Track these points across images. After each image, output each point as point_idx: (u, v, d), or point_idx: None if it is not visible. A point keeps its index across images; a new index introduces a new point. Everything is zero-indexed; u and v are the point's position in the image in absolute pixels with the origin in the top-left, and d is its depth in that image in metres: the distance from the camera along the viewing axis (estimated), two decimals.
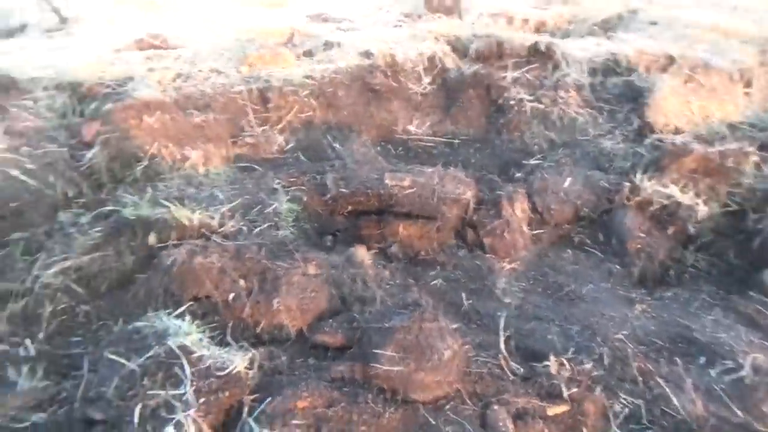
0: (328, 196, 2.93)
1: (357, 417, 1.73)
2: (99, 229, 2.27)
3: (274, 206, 2.79)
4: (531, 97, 4.04)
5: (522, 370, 2.03)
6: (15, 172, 2.64)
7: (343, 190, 2.87)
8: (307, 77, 3.84)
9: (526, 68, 4.26)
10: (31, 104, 3.24)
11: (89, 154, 2.98)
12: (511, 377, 1.99)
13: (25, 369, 1.96)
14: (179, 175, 3.02)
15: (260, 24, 4.73)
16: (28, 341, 2.04)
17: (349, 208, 2.91)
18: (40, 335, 2.10)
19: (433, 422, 1.75)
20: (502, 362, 2.03)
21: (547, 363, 2.01)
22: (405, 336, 1.85)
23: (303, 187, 3.06)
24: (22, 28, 4.76)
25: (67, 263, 2.17)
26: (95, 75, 3.65)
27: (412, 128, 4.05)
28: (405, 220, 2.78)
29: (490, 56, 4.37)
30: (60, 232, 2.48)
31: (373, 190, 2.81)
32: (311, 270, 2.22)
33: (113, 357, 1.77)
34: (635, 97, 4.02)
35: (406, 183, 2.80)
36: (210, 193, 2.83)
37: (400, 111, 4.07)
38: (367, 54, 4.17)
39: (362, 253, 2.46)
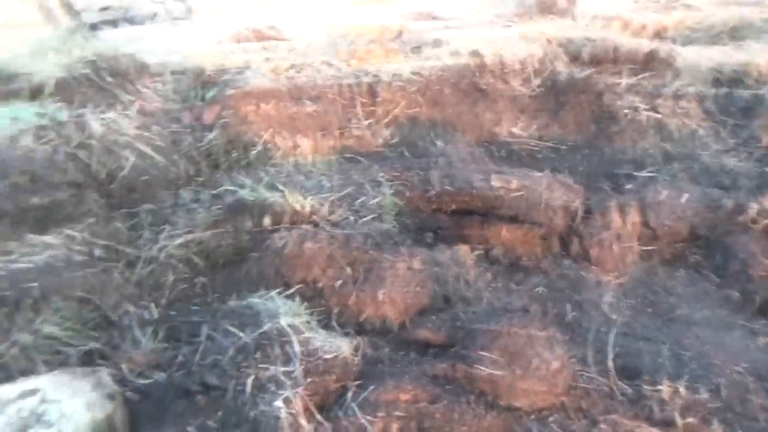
0: (432, 192, 2.93)
1: (458, 416, 1.73)
2: (218, 207, 2.39)
3: (378, 199, 2.83)
4: (647, 106, 3.83)
5: (630, 390, 1.94)
6: (146, 149, 2.83)
7: (448, 188, 2.86)
8: (415, 73, 3.85)
9: (643, 75, 4.06)
10: (161, 87, 3.46)
11: (210, 136, 3.15)
12: (619, 397, 1.90)
13: (148, 331, 2.10)
14: (289, 161, 3.13)
15: (370, 19, 4.80)
16: (152, 305, 2.20)
17: (453, 206, 2.89)
18: (162, 301, 2.24)
19: None
20: (610, 380, 1.94)
21: (659, 387, 1.91)
22: (512, 341, 1.81)
23: (406, 182, 3.07)
24: (153, 17, 5.11)
25: (190, 236, 2.31)
26: (216, 62, 3.85)
27: (516, 131, 3.96)
28: (509, 223, 2.73)
29: (604, 61, 4.20)
30: (183, 207, 2.64)
31: (479, 190, 2.78)
32: (416, 265, 2.23)
33: (231, 329, 1.86)
34: (765, 113, 3.72)
35: (513, 186, 2.75)
36: (318, 182, 2.91)
37: (505, 112, 3.99)
38: (476, 53, 4.12)
39: (466, 253, 2.45)
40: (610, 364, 2.01)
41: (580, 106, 3.99)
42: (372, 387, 1.80)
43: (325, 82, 3.68)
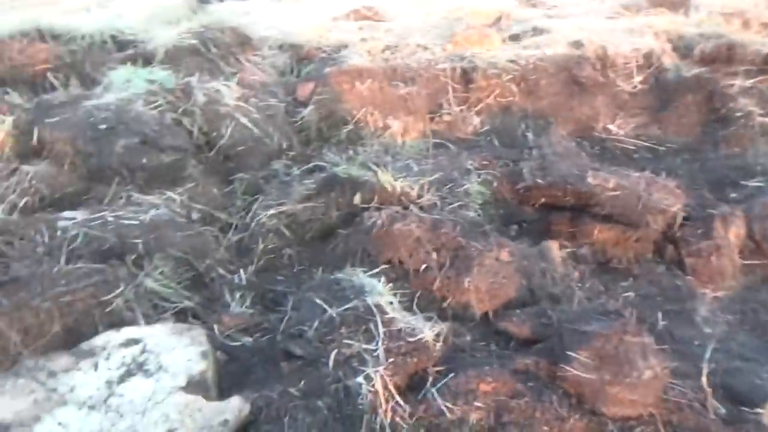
0: (522, 185, 2.85)
1: (540, 415, 1.68)
2: (312, 181, 2.44)
3: (465, 186, 2.79)
4: (762, 111, 3.55)
5: (725, 411, 1.82)
6: (244, 120, 2.93)
7: (540, 181, 2.77)
8: (512, 62, 3.75)
9: (760, 78, 3.76)
10: (260, 60, 3.57)
11: (304, 112, 3.22)
12: (713, 416, 1.79)
13: (237, 295, 2.19)
14: (379, 142, 3.14)
15: (469, 4, 4.70)
16: (241, 271, 2.28)
17: (542, 200, 2.81)
18: (251, 268, 2.32)
19: None
20: (704, 397, 1.83)
21: (758, 410, 1.78)
22: (604, 345, 1.74)
23: (495, 172, 3.01)
24: None
25: (282, 208, 2.36)
26: (314, 39, 3.92)
27: (613, 128, 3.78)
28: (602, 223, 2.61)
29: (717, 60, 3.92)
30: (276, 179, 2.71)
31: (573, 186, 2.67)
32: (504, 256, 2.18)
33: (318, 301, 1.90)
34: None
35: (610, 184, 2.63)
36: (406, 164, 2.91)
37: (603, 108, 3.82)
38: (577, 44, 3.96)
39: (555, 249, 2.37)
40: (705, 380, 1.89)
41: (685, 107, 3.75)
42: (452, 374, 1.78)
43: (420, 65, 3.66)
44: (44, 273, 1.83)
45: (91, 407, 1.51)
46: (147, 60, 3.19)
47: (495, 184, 2.95)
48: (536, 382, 1.79)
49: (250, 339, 2.00)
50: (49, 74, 2.68)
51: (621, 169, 2.90)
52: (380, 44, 3.88)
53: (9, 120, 2.34)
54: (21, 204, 2.16)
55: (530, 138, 3.49)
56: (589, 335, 1.78)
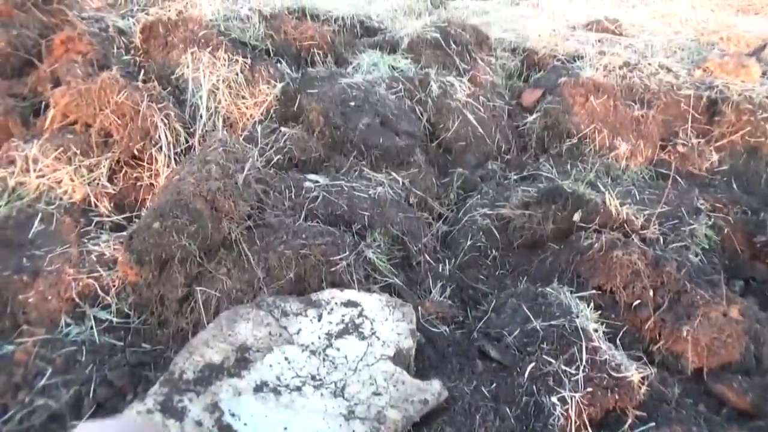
0: (762, 239, 2.53)
1: None
2: (534, 190, 2.43)
3: (692, 227, 2.56)
4: None
5: None
6: (470, 117, 3.00)
7: None
8: None
9: None
10: (493, 60, 3.61)
11: (528, 119, 3.20)
12: None
13: (439, 284, 2.28)
14: (601, 162, 3.01)
15: (725, 28, 4.25)
16: (446, 262, 2.36)
17: None
18: (455, 261, 2.40)
19: None
20: None
21: None
22: None
23: (728, 217, 2.71)
24: None
25: (498, 210, 2.39)
26: (549, 47, 3.85)
27: None
28: None
29: None
30: (492, 180, 2.75)
31: None
32: (734, 313, 1.97)
33: (523, 309, 1.90)
34: None
35: None
36: (627, 190, 2.75)
37: None
38: None
39: None
40: None
41: None
42: (653, 424, 1.67)
43: (660, 87, 3.41)
44: (288, 225, 2.09)
45: (312, 352, 1.69)
46: (392, 47, 3.42)
47: (726, 230, 2.66)
48: None
49: (446, 329, 2.07)
50: (314, 50, 3.00)
51: None
52: (618, 60, 3.69)
53: (279, 86, 2.69)
54: (275, 160, 2.47)
55: None
56: None
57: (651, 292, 2.05)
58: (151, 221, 1.86)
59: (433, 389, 1.61)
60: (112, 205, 2.30)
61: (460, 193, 2.76)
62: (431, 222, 2.55)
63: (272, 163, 2.47)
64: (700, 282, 2.12)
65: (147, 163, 2.40)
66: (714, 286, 2.10)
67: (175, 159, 2.43)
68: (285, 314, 1.80)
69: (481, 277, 2.37)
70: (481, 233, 2.44)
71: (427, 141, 2.97)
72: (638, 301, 2.03)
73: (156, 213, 1.88)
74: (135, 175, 2.41)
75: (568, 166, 3.00)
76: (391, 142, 2.58)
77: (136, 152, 2.37)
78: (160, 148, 2.38)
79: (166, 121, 2.39)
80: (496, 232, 2.42)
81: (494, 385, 1.78)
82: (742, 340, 1.95)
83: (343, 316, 1.80)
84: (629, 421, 1.68)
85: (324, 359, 1.67)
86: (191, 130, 2.55)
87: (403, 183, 2.58)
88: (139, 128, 2.34)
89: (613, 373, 1.74)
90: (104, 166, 2.32)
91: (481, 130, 3.02)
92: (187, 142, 2.50)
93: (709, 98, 3.38)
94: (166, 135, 2.38)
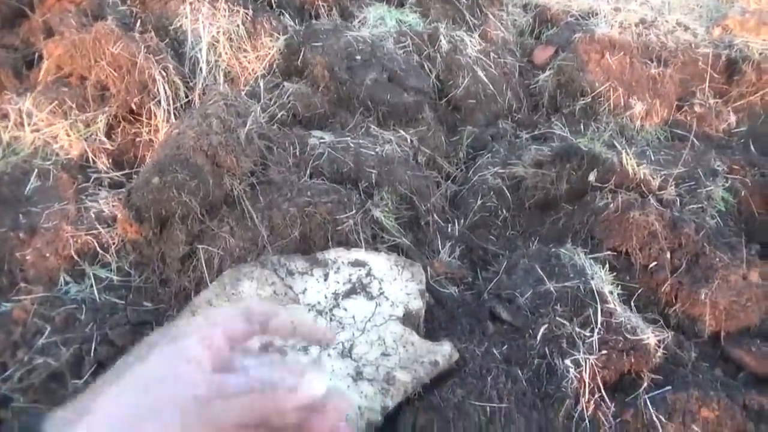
0: None
1: None
2: (548, 149, 2.34)
3: (709, 189, 2.47)
4: None
5: None
6: (481, 74, 2.89)
7: None
8: None
9: None
10: (504, 16, 3.47)
11: (540, 76, 3.09)
12: None
13: (447, 244, 2.21)
14: (615, 121, 2.91)
15: None
16: (456, 222, 2.29)
17: None
18: (464, 221, 2.33)
19: None
20: None
21: None
22: None
23: (746, 180, 2.63)
24: None
25: (509, 169, 2.31)
26: (561, 3, 3.70)
27: None
28: None
29: None
30: (504, 138, 2.66)
31: None
32: (753, 277, 1.91)
33: (538, 270, 1.84)
34: None
35: None
36: (642, 150, 2.66)
37: None
38: None
39: None
40: None
41: None
42: (669, 388, 1.63)
43: (677, 45, 3.28)
44: (293, 182, 2.01)
45: (319, 312, 1.64)
46: (399, 1, 3.27)
47: (743, 193, 2.58)
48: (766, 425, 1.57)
49: (455, 289, 2.01)
50: (318, 2, 2.87)
51: None
52: (634, 17, 3.54)
53: (282, 39, 2.57)
54: (278, 116, 2.37)
55: None
56: None
57: (668, 254, 1.99)
58: (150, 177, 1.78)
59: (444, 351, 1.56)
60: (110, 161, 2.22)
61: (469, 152, 2.67)
62: (440, 181, 2.47)
63: (276, 119, 2.38)
64: (719, 244, 2.05)
65: (146, 119, 2.31)
66: (733, 249, 2.03)
67: (174, 114, 2.34)
68: (290, 273, 1.74)
69: (492, 237, 2.30)
70: (491, 193, 2.36)
71: (436, 98, 2.87)
72: (655, 263, 1.97)
73: (155, 168, 1.80)
74: (134, 130, 2.32)
75: (582, 126, 2.90)
76: (398, 99, 2.47)
77: (134, 107, 2.28)
78: (159, 102, 2.28)
79: (164, 74, 2.29)
80: (507, 192, 2.34)
81: (506, 347, 1.73)
82: (761, 304, 1.89)
83: (350, 275, 1.74)
84: (644, 384, 1.63)
85: (331, 319, 1.62)
86: (191, 84, 2.45)
87: (411, 141, 2.48)
88: (136, 81, 2.24)
89: (629, 336, 1.69)
90: (101, 121, 2.23)
91: (491, 87, 2.91)
92: (187, 97, 2.41)
93: (729, 57, 3.26)
94: (164, 89, 2.29)
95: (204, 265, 1.78)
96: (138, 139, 2.30)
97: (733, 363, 1.81)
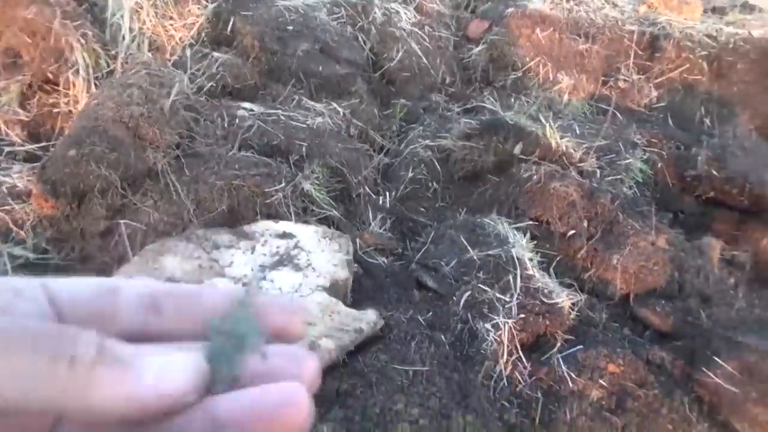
0: (691, 173, 2.61)
1: (666, 412, 1.61)
2: (476, 122, 2.39)
3: (628, 161, 2.61)
4: None
5: None
6: (415, 47, 2.91)
7: (714, 173, 2.52)
8: (709, 37, 3.36)
9: None
10: None
11: (474, 50, 3.13)
12: None
13: (378, 216, 2.25)
14: (544, 95, 3.00)
15: None
16: (387, 194, 2.33)
17: (710, 194, 2.56)
18: (395, 193, 2.36)
19: None
20: None
21: None
22: (758, 360, 1.60)
23: (662, 152, 2.78)
24: None
25: (440, 142, 2.36)
26: None
27: None
28: None
29: None
30: (435, 112, 2.70)
31: (754, 186, 2.40)
32: (661, 242, 2.04)
33: (462, 240, 1.91)
34: None
35: None
36: (568, 124, 2.76)
37: None
38: None
39: (717, 249, 2.17)
40: None
41: None
42: (581, 346, 1.74)
43: (605, 22, 3.39)
44: (221, 155, 1.99)
45: (245, 284, 1.64)
46: None
47: (660, 165, 2.73)
48: (668, 378, 1.71)
49: (385, 260, 2.06)
50: None
51: None
52: None
53: (210, 7, 2.50)
54: (206, 87, 2.32)
55: (710, 125, 3.17)
56: (741, 346, 1.65)
57: (585, 223, 2.09)
58: (66, 149, 1.72)
59: (368, 318, 1.60)
60: (25, 133, 2.12)
61: (402, 124, 2.70)
62: (372, 154, 2.49)
63: (204, 90, 2.33)
64: (632, 213, 2.18)
65: (63, 89, 2.21)
66: (644, 217, 2.16)
67: (95, 84, 2.24)
68: (216, 247, 1.73)
69: (422, 209, 2.35)
70: (422, 165, 2.40)
71: (370, 70, 2.87)
72: (572, 231, 2.07)
73: (71, 140, 1.74)
74: (51, 101, 2.22)
75: (512, 99, 2.97)
76: (331, 71, 2.47)
77: (50, 75, 2.18)
78: (78, 71, 2.19)
79: (82, 42, 2.19)
80: (437, 165, 2.39)
81: (430, 313, 1.79)
82: (667, 268, 2.03)
83: (278, 248, 1.75)
84: (558, 344, 1.74)
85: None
86: (113, 53, 2.36)
87: (343, 113, 2.49)
88: (51, 48, 2.14)
89: (545, 300, 1.78)
90: (14, 91, 2.13)
91: (425, 60, 2.93)
92: (109, 66, 2.32)
93: (652, 35, 3.39)
94: (83, 57, 2.19)
95: (126, 240, 1.75)
96: (56, 110, 2.20)
97: (641, 322, 1.95)
